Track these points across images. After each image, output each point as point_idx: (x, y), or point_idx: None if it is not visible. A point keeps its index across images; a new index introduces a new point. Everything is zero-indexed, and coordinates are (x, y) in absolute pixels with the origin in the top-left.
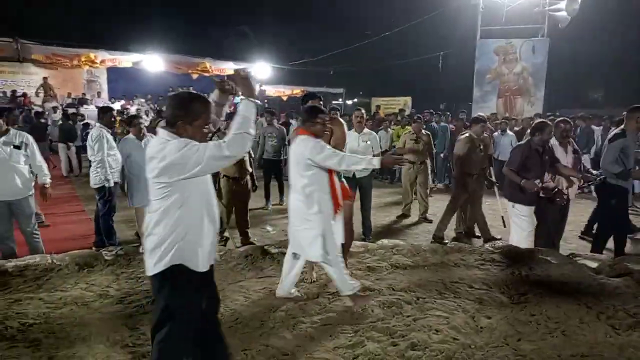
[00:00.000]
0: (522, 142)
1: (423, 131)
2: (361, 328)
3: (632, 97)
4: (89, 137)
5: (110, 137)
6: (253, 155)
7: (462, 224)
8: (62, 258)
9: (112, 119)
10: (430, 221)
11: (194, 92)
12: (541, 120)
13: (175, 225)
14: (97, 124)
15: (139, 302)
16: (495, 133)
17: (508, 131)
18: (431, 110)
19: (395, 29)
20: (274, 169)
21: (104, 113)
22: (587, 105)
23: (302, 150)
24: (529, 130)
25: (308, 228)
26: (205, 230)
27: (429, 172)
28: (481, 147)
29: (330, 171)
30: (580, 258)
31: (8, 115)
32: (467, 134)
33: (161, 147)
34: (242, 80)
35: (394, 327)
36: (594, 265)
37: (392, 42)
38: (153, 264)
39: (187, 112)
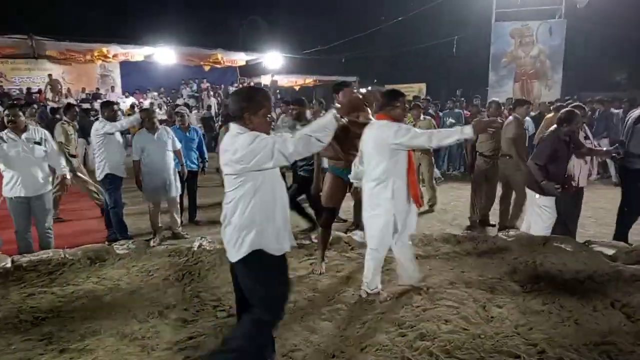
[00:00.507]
0: (549, 133)
1: (422, 117)
2: (369, 319)
3: None
4: (92, 130)
5: (113, 130)
6: None
7: (476, 212)
8: (74, 253)
9: (114, 113)
10: (432, 210)
11: (255, 85)
12: (569, 109)
13: (251, 213)
14: (100, 118)
15: (149, 295)
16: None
17: (526, 117)
18: (427, 98)
19: (409, 13)
20: None
21: (106, 107)
22: (609, 88)
23: (385, 135)
24: (547, 118)
25: (377, 214)
26: (278, 215)
27: (432, 159)
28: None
29: (410, 159)
30: (596, 245)
31: (25, 111)
32: (513, 118)
33: (233, 140)
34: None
35: (402, 317)
36: (610, 252)
37: (406, 27)
38: (235, 251)
39: (251, 103)
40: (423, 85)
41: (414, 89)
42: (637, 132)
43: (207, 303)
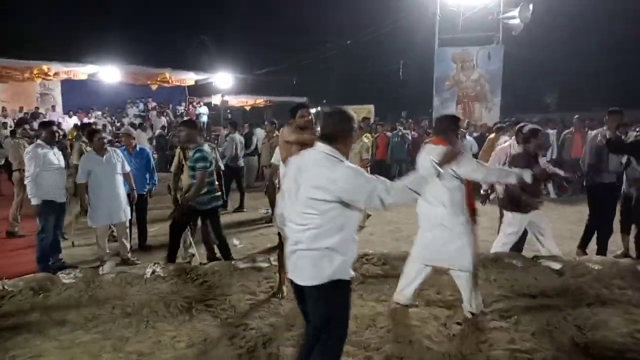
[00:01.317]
0: (518, 152)
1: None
2: None
3: (582, 101)
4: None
5: (48, 153)
6: (223, 169)
7: None
8: (14, 283)
9: (52, 134)
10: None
11: (342, 108)
12: (532, 127)
13: (340, 241)
14: (37, 141)
15: (101, 327)
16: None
17: (467, 137)
18: (377, 119)
19: (357, 38)
20: (234, 176)
21: (43, 128)
22: (541, 110)
23: None
24: (507, 139)
25: (454, 238)
26: (355, 244)
27: None
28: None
29: (468, 181)
30: (543, 260)
31: None
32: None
33: (329, 164)
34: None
35: (367, 339)
36: (557, 267)
37: (355, 51)
38: (314, 276)
39: (346, 126)
40: (371, 107)
41: (363, 111)
42: (601, 150)
43: (164, 334)
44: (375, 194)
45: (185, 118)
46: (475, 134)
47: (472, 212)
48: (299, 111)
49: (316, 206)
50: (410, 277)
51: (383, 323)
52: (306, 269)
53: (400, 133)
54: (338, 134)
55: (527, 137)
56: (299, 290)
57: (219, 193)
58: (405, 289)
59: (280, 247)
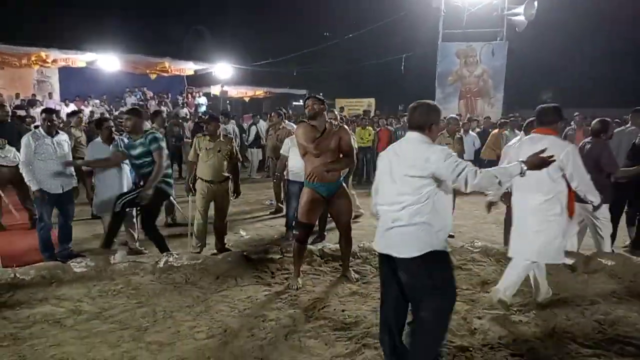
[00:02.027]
0: (598, 145)
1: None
2: (355, 335)
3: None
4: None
5: (43, 143)
6: (241, 160)
7: None
8: (26, 272)
9: (49, 123)
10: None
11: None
12: (602, 119)
13: (434, 215)
14: (36, 130)
15: (117, 317)
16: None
17: (470, 132)
18: (377, 112)
19: (360, 30)
20: None
21: (43, 116)
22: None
23: (557, 151)
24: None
25: (547, 229)
26: (450, 217)
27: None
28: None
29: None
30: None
31: None
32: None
33: (423, 146)
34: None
35: None
36: (569, 262)
37: (357, 43)
38: (414, 249)
39: (432, 117)
40: (372, 100)
41: (363, 104)
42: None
43: (182, 324)
44: (463, 174)
45: (184, 108)
46: (477, 130)
47: (572, 208)
48: (306, 102)
49: (412, 184)
50: (518, 276)
51: None
52: (406, 243)
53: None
54: (425, 123)
55: (598, 130)
56: (391, 267)
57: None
58: (510, 286)
59: (298, 240)
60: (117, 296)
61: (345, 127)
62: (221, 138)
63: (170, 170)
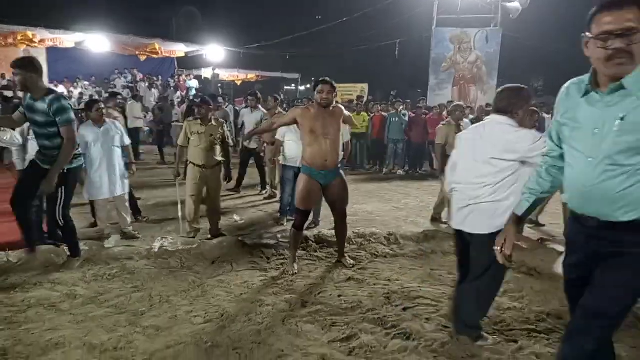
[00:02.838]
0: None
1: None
2: (352, 320)
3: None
4: None
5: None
6: (232, 144)
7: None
8: (19, 255)
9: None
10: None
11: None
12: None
13: (510, 194)
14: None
15: (113, 301)
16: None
17: (464, 119)
18: (370, 97)
19: (353, 15)
20: None
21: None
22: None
23: None
24: None
25: None
26: None
27: None
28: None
29: None
30: (550, 242)
31: None
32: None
33: (512, 130)
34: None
35: (385, 317)
36: (562, 249)
37: (349, 28)
38: (490, 225)
39: (523, 100)
40: (365, 86)
41: (356, 89)
42: None
43: (179, 309)
44: (542, 153)
45: (177, 92)
46: (471, 117)
47: None
48: (319, 85)
49: (496, 165)
50: None
51: (398, 301)
52: (482, 220)
53: (401, 113)
54: (512, 107)
55: None
56: (464, 242)
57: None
58: None
59: (295, 227)
60: (113, 281)
61: (340, 106)
62: (212, 122)
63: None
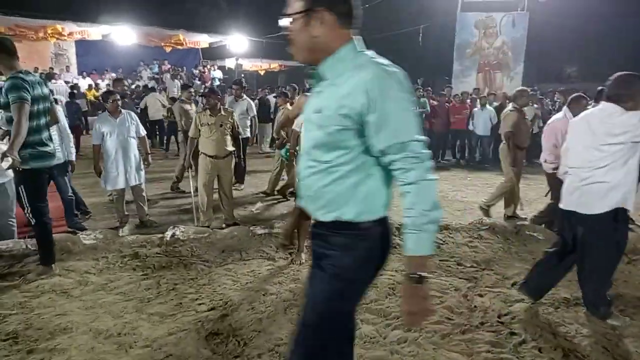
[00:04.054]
0: None
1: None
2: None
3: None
4: None
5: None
6: (242, 134)
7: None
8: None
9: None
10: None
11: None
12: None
13: (624, 175)
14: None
15: (122, 288)
16: (476, 108)
17: (487, 106)
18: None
19: (375, 1)
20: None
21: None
22: (562, 81)
23: None
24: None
25: None
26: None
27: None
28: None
29: None
30: None
31: None
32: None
33: (625, 117)
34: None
35: (387, 308)
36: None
37: (372, 15)
38: (602, 205)
39: (635, 88)
40: None
41: None
42: None
43: (185, 296)
44: None
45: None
46: (495, 104)
47: None
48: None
49: (608, 149)
50: None
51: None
52: (594, 200)
53: (421, 101)
54: (624, 95)
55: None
56: (572, 225)
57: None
58: None
59: (299, 216)
60: (124, 268)
61: None
62: (222, 112)
63: (45, 134)
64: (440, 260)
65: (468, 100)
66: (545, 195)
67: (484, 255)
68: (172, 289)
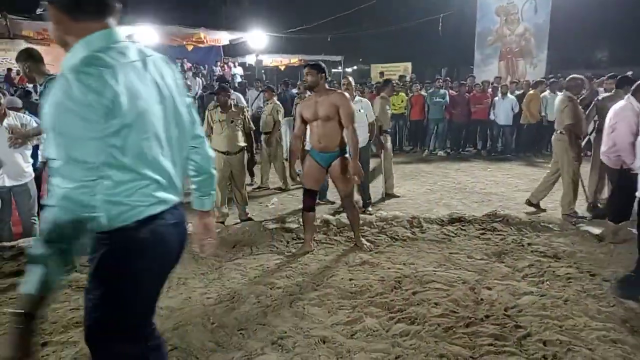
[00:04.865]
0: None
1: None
2: (359, 304)
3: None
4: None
5: None
6: (254, 128)
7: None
8: None
9: None
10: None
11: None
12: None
13: None
14: None
15: None
16: (497, 97)
17: (509, 95)
18: (412, 77)
19: None
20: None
21: None
22: (590, 67)
23: None
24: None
25: None
26: None
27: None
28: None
29: None
30: (583, 225)
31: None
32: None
33: None
34: None
35: (392, 301)
36: (597, 231)
37: (392, 5)
38: None
39: None
40: (409, 65)
41: (399, 69)
42: None
43: (194, 290)
44: None
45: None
46: (517, 92)
47: None
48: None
49: None
50: None
51: (409, 286)
52: None
53: (440, 92)
54: None
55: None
56: None
57: None
58: None
59: (304, 208)
60: None
61: (341, 92)
62: (233, 108)
63: None
64: (450, 254)
65: (489, 89)
66: None
67: (496, 247)
68: (182, 284)
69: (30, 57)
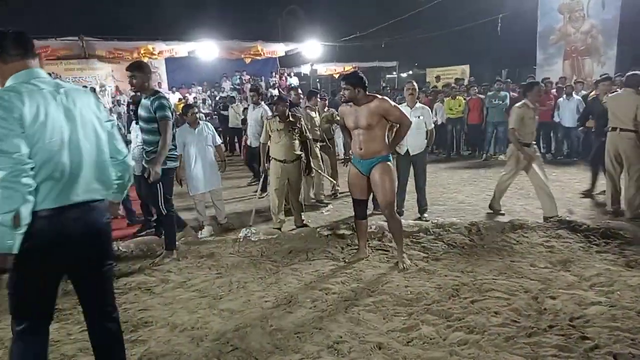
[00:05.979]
0: None
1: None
2: (415, 311)
3: None
4: None
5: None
6: (310, 137)
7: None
8: (127, 245)
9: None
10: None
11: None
12: None
13: None
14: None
15: (198, 286)
16: (561, 98)
17: (574, 95)
18: (470, 80)
19: None
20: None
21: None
22: None
23: None
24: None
25: None
26: None
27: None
28: None
29: None
30: None
31: None
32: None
33: None
34: None
35: (449, 309)
36: None
37: (446, 8)
38: None
39: None
40: (466, 67)
41: (456, 72)
42: None
43: (253, 294)
44: None
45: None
46: (583, 92)
47: None
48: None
49: None
50: None
51: (467, 294)
52: None
53: (500, 95)
54: None
55: None
56: None
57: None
58: None
59: (357, 217)
60: (201, 267)
61: (381, 98)
62: (290, 118)
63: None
64: (511, 262)
65: (553, 90)
66: None
67: (561, 255)
68: (242, 287)
69: (145, 71)
